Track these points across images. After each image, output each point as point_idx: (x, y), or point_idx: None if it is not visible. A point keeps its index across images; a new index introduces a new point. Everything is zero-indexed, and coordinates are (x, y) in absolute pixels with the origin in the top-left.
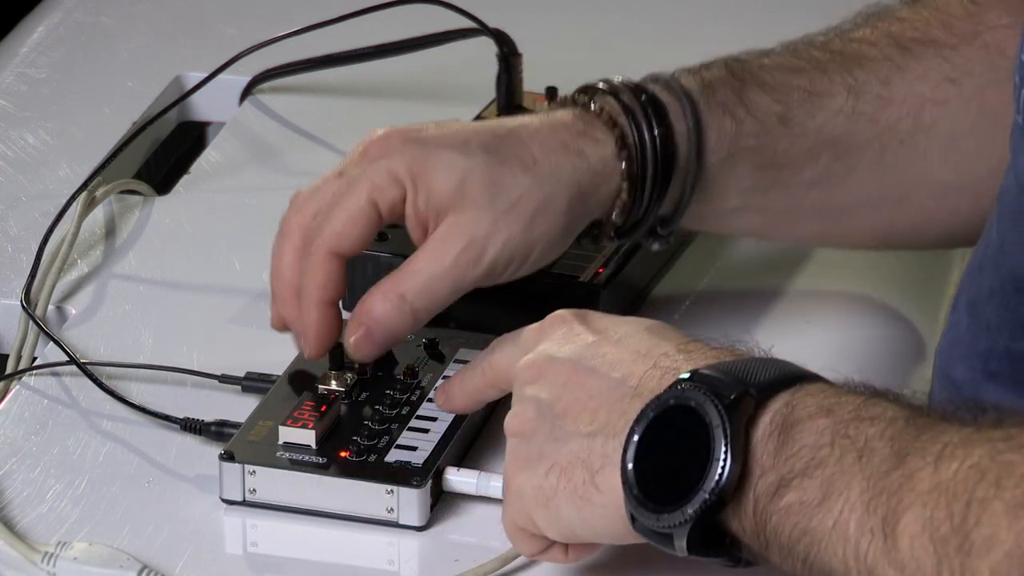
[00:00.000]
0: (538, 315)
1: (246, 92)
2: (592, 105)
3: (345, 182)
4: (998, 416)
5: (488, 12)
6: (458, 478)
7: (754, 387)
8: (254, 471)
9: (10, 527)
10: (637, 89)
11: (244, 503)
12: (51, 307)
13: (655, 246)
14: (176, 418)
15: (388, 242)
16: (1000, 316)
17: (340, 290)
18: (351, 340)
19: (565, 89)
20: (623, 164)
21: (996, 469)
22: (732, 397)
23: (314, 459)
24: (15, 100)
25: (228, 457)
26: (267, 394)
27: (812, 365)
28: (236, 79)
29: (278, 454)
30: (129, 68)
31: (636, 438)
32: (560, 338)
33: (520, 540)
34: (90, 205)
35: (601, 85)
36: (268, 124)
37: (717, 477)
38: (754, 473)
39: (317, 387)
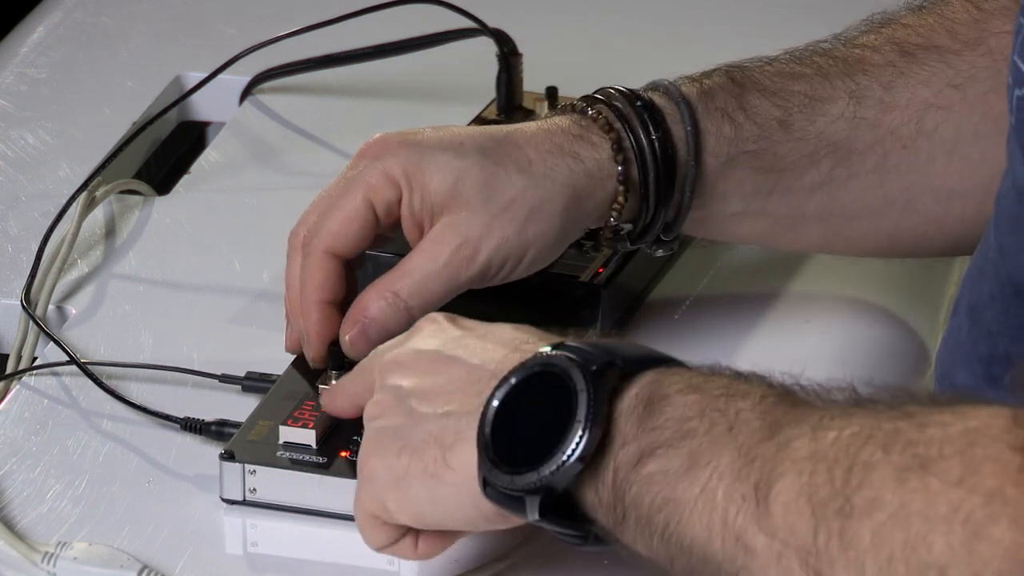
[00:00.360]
0: (538, 315)
1: (246, 92)
2: (589, 111)
3: (342, 184)
4: (879, 393)
5: (488, 12)
6: None
7: (621, 359)
8: (254, 471)
9: (10, 527)
10: (634, 95)
11: (244, 503)
12: (51, 307)
13: (659, 252)
14: (176, 418)
15: (390, 241)
16: (1001, 321)
17: (339, 291)
18: (346, 338)
19: (565, 89)
20: (619, 167)
21: (882, 436)
22: (598, 366)
23: (314, 459)
24: (15, 100)
25: (228, 457)
26: (267, 394)
27: (810, 368)
28: (236, 79)
29: (278, 454)
30: (129, 68)
31: (495, 403)
32: (427, 334)
33: (370, 529)
34: (90, 205)
35: (599, 93)
36: (268, 124)
37: (576, 440)
38: (616, 443)
39: (317, 387)
